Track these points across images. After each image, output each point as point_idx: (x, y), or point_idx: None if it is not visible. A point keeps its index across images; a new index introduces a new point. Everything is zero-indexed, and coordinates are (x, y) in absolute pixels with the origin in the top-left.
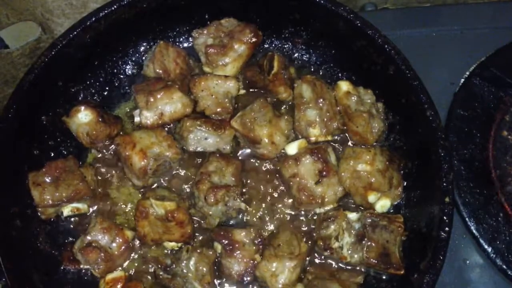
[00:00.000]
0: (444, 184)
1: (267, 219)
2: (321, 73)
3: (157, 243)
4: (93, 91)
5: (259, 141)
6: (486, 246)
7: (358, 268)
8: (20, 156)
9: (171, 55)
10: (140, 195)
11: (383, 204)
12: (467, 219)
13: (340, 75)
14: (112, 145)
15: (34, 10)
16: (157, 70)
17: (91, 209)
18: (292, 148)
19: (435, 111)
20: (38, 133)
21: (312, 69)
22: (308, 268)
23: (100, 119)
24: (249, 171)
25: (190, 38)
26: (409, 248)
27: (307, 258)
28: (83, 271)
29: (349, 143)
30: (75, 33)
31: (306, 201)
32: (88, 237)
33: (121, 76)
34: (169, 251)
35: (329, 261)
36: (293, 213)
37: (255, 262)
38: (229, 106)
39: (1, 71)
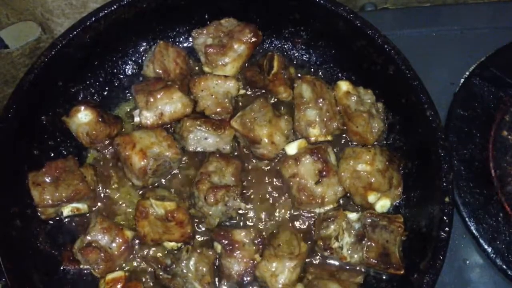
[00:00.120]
0: (444, 184)
1: (267, 219)
2: (321, 73)
3: (157, 243)
4: (93, 91)
5: (259, 141)
6: (486, 246)
7: (358, 268)
8: (20, 156)
9: (171, 55)
10: (140, 195)
11: (383, 204)
12: (467, 219)
13: (340, 75)
14: (112, 145)
15: (34, 10)
16: (157, 70)
17: (91, 209)
18: (292, 148)
19: (435, 111)
20: (38, 133)
21: (312, 69)
22: (308, 268)
23: (100, 119)
24: (249, 171)
25: (190, 38)
26: (409, 248)
27: (307, 258)
28: (83, 271)
29: (349, 143)
30: (75, 33)
31: (306, 201)
32: (88, 237)
33: (121, 76)
34: (169, 251)
35: (329, 261)
36: (293, 213)
37: (255, 262)
38: (229, 106)
39: (1, 71)
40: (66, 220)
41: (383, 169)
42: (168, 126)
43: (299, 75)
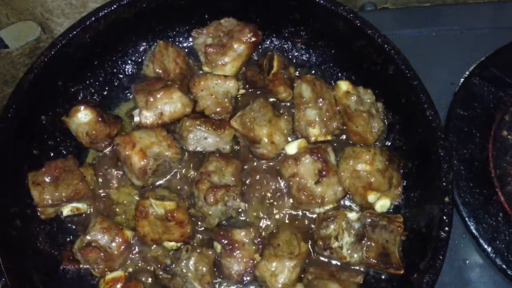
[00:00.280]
0: (444, 184)
1: (267, 219)
2: (321, 73)
3: (157, 243)
4: (92, 91)
5: (259, 141)
6: (486, 246)
7: (357, 268)
8: (20, 156)
9: (170, 55)
10: (140, 195)
11: (382, 204)
12: (466, 219)
13: (340, 75)
14: (112, 145)
15: (33, 10)
16: (157, 70)
17: (91, 209)
18: (292, 148)
19: (435, 111)
20: (38, 133)
21: (312, 69)
22: (308, 268)
23: (99, 119)
24: (249, 171)
25: (190, 38)
26: (409, 248)
27: (307, 258)
28: (83, 271)
29: (349, 143)
30: (74, 33)
31: (306, 201)
32: (88, 237)
33: (121, 76)
34: (169, 251)
35: (329, 261)
36: (293, 213)
37: (255, 262)
38: (228, 106)
39: (1, 71)
40: (66, 220)
41: (383, 169)
42: (170, 125)
43: (299, 74)
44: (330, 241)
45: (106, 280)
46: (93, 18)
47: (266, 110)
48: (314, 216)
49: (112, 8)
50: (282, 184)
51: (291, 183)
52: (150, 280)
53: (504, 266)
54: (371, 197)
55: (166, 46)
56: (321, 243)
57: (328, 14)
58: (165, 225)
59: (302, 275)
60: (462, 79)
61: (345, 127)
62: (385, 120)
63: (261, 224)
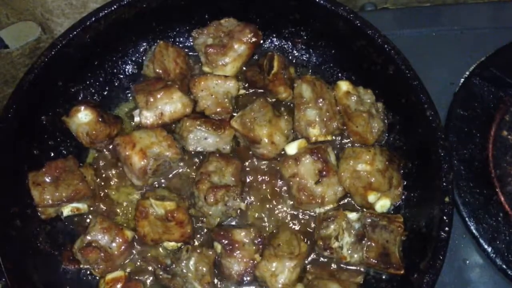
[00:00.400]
0: (444, 184)
1: (267, 219)
2: (321, 73)
3: (157, 243)
4: (93, 91)
5: (259, 141)
6: (486, 246)
7: (358, 268)
8: (20, 156)
9: (171, 55)
10: (140, 195)
11: (383, 204)
12: (467, 219)
13: (340, 75)
14: (112, 145)
15: (34, 10)
16: (157, 70)
17: (91, 209)
18: (292, 148)
19: (435, 111)
20: (38, 133)
21: (312, 69)
22: (308, 268)
23: (100, 119)
24: (249, 171)
25: (190, 38)
26: (409, 248)
27: (307, 258)
28: (83, 271)
29: (349, 143)
30: (75, 33)
31: (306, 201)
32: (88, 237)
33: (121, 76)
34: (169, 251)
35: (329, 261)
36: (293, 213)
37: (255, 262)
38: (229, 106)
39: (1, 71)
40: (66, 220)
41: (383, 169)
42: (170, 125)
43: (299, 74)
44: (330, 241)
45: (106, 280)
46: (93, 18)
47: (266, 110)
48: (315, 216)
49: (112, 8)
50: (282, 184)
51: (291, 183)
52: (150, 280)
53: (504, 266)
54: (371, 197)
55: (166, 46)
56: (321, 243)
57: (328, 14)
58: (165, 225)
59: (302, 275)
60: (462, 79)
61: (345, 127)
62: (385, 120)
63: (261, 224)
